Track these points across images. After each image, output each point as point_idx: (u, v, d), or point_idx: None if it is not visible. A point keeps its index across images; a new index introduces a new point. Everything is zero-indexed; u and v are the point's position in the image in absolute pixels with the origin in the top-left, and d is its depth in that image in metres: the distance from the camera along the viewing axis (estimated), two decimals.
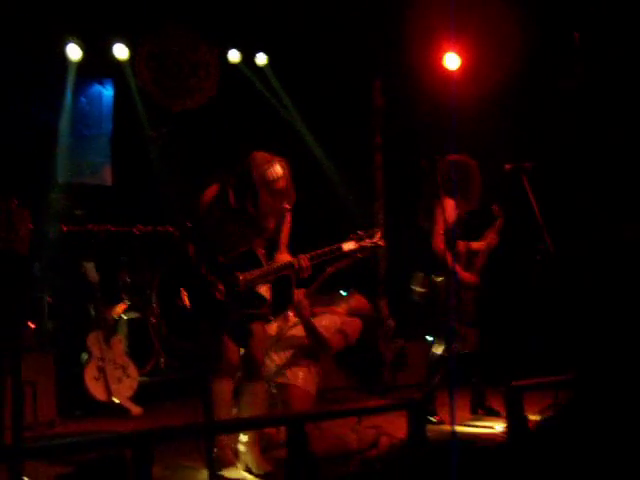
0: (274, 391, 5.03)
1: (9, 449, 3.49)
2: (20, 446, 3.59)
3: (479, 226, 6.02)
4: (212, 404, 4.25)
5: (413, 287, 5.79)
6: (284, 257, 4.52)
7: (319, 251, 4.41)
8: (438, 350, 5.65)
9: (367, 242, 4.46)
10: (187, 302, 4.34)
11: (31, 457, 3.37)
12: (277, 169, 4.38)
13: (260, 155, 4.45)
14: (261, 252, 4.52)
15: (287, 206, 4.49)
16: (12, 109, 7.19)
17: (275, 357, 5.16)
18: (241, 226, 4.46)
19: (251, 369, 4.49)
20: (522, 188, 5.62)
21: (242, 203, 4.42)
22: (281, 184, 4.40)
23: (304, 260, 4.36)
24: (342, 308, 5.51)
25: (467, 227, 5.81)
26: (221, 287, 4.35)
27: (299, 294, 5.15)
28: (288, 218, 4.60)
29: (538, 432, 3.85)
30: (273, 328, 5.25)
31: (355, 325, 5.38)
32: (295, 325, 5.27)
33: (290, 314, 5.35)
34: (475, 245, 5.92)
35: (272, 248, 4.57)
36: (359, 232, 4.50)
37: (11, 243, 4.03)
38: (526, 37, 7.16)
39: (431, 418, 5.38)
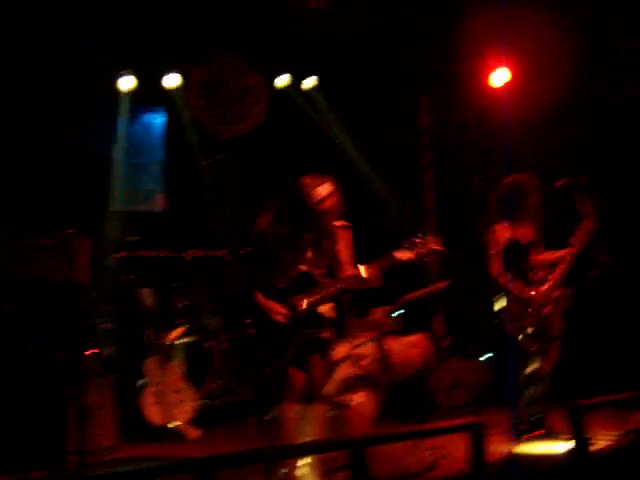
0: (332, 413, 5.00)
1: (75, 475, 3.54)
2: (86, 473, 3.64)
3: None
4: (275, 428, 4.26)
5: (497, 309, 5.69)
6: (347, 273, 4.49)
7: (378, 260, 4.37)
8: (530, 368, 5.59)
9: (422, 248, 4.41)
10: (252, 329, 4.36)
11: None
12: (325, 187, 4.43)
13: (307, 178, 4.51)
14: (319, 272, 4.51)
15: (338, 224, 4.49)
16: (67, 139, 7.35)
17: (337, 378, 5.14)
18: (296, 251, 4.49)
19: (313, 393, 4.48)
20: (576, 203, 5.55)
21: (296, 228, 4.47)
22: (331, 202, 4.43)
23: (367, 269, 4.33)
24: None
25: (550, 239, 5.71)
26: (282, 311, 4.37)
27: (378, 314, 5.16)
28: (345, 236, 4.56)
29: (603, 455, 3.78)
30: (339, 351, 5.23)
31: (419, 356, 5.32)
32: (362, 344, 5.25)
33: (358, 334, 5.34)
34: (553, 256, 5.76)
35: (334, 269, 4.54)
36: (411, 238, 4.44)
37: (72, 273, 4.11)
38: (575, 51, 7.10)
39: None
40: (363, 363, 5.18)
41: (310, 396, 4.47)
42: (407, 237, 4.46)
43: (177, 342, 6.97)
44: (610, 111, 7.27)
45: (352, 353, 5.31)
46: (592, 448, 4.21)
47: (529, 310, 5.52)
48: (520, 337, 5.53)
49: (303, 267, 4.51)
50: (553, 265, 5.65)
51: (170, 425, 6.24)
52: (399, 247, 4.43)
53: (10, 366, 4.17)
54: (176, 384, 6.44)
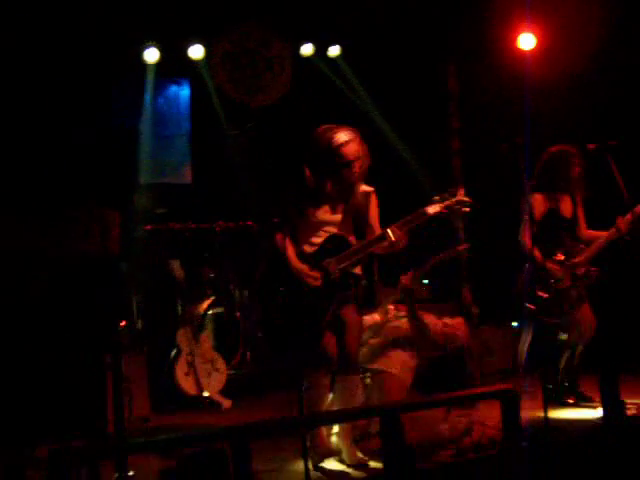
0: (368, 380, 5.02)
1: (116, 443, 3.60)
2: (125, 441, 3.71)
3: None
4: (308, 397, 4.26)
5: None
6: (375, 233, 4.43)
7: (407, 217, 4.29)
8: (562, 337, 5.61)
9: (452, 201, 4.35)
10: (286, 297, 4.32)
11: (136, 452, 3.47)
12: (343, 133, 4.33)
13: (323, 127, 4.43)
14: (349, 235, 4.45)
15: (358, 170, 4.36)
16: (95, 113, 7.38)
17: (372, 344, 5.14)
18: (322, 205, 4.42)
19: (347, 361, 4.40)
20: (608, 167, 5.48)
21: (319, 179, 4.38)
22: (352, 147, 4.32)
23: (395, 229, 4.25)
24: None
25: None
26: (314, 274, 4.31)
27: (406, 278, 5.14)
28: (374, 200, 4.49)
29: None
30: (373, 318, 5.23)
31: (460, 333, 5.30)
32: (396, 318, 5.25)
33: (391, 307, 5.33)
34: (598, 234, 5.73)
35: (362, 234, 4.47)
36: (441, 194, 4.39)
37: (104, 245, 4.14)
38: (603, 14, 6.98)
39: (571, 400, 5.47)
40: (397, 332, 5.18)
41: (345, 363, 4.41)
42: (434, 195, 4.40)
43: (207, 312, 7.03)
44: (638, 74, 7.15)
45: (386, 320, 5.31)
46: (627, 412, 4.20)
47: (551, 281, 5.52)
48: (534, 306, 5.55)
49: (332, 229, 4.44)
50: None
51: (204, 394, 6.30)
52: (429, 202, 4.37)
53: (47, 338, 4.23)
54: (208, 354, 6.50)
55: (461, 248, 5.64)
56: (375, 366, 5.04)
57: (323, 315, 4.32)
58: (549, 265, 5.53)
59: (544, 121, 7.18)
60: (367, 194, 4.48)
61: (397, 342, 5.15)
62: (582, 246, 5.64)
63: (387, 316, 5.33)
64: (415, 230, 4.35)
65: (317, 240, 4.42)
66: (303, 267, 4.33)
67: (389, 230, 4.25)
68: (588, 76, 7.32)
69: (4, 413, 4.20)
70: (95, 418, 4.10)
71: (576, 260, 5.57)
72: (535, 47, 7.62)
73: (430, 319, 5.29)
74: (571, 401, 5.60)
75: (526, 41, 7.62)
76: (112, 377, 3.99)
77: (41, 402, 4.14)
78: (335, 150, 4.30)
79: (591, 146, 5.55)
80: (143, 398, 5.98)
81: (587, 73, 7.28)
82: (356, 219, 4.47)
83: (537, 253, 5.52)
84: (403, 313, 5.35)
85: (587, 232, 5.77)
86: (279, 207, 4.53)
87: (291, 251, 4.38)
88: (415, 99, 8.13)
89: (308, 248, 4.42)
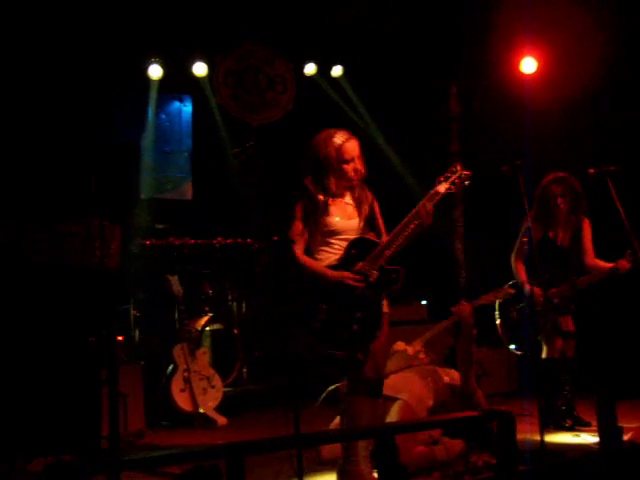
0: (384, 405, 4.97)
1: (108, 461, 3.58)
2: (119, 458, 3.69)
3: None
4: (350, 420, 4.20)
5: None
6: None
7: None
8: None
9: (455, 177, 4.42)
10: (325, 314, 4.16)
11: (129, 469, 3.45)
12: (340, 134, 4.35)
13: (320, 132, 4.44)
14: (371, 236, 4.39)
15: (359, 167, 4.35)
16: (97, 129, 7.41)
17: (397, 375, 5.17)
18: (335, 213, 4.36)
19: (377, 384, 4.30)
20: (607, 192, 5.50)
21: (321, 182, 4.35)
22: (351, 145, 4.34)
23: (427, 205, 4.25)
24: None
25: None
26: (358, 277, 4.19)
27: (467, 306, 5.19)
28: (377, 207, 4.48)
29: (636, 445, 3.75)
30: (406, 347, 5.29)
31: (482, 403, 5.31)
32: (421, 364, 5.30)
33: (421, 355, 5.41)
34: (597, 264, 5.74)
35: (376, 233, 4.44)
36: (444, 175, 4.43)
37: (104, 259, 4.15)
38: (604, 39, 7.02)
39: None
40: (424, 371, 5.24)
41: (377, 385, 4.29)
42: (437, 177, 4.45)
43: (205, 329, 7.02)
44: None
45: (415, 355, 5.36)
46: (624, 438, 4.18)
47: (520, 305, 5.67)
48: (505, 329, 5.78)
49: (350, 235, 4.35)
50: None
51: (200, 411, 6.28)
52: (436, 184, 4.40)
53: (43, 352, 4.23)
54: (204, 371, 6.48)
55: (511, 290, 5.69)
56: (394, 394, 5.00)
57: (377, 320, 4.23)
58: (529, 286, 5.55)
59: (544, 144, 7.23)
60: (372, 199, 4.49)
61: (420, 379, 5.15)
62: (573, 277, 5.65)
63: (417, 353, 5.37)
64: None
65: (336, 249, 4.33)
66: (344, 273, 4.22)
67: (419, 207, 4.27)
68: (589, 100, 7.37)
69: None
70: (90, 433, 4.08)
71: (555, 290, 5.60)
72: (536, 71, 7.68)
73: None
74: (568, 424, 5.59)
75: (528, 65, 7.69)
76: (108, 392, 3.97)
77: (35, 416, 4.13)
78: (337, 149, 4.32)
79: (591, 171, 5.56)
80: (138, 413, 5.96)
81: (588, 97, 7.32)
82: (367, 223, 4.44)
83: (523, 274, 5.68)
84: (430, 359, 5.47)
85: (593, 261, 5.74)
86: (288, 224, 4.46)
87: (319, 264, 4.30)
88: (417, 120, 8.17)
89: (328, 259, 4.33)
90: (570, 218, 5.76)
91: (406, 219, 4.31)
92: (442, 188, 4.39)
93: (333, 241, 4.35)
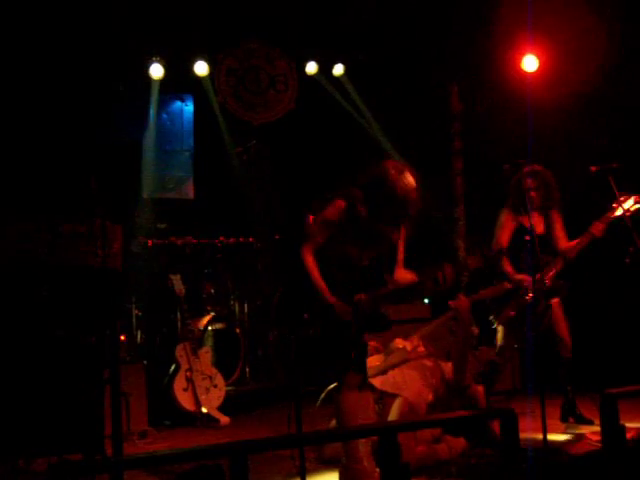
0: (381, 405, 4.98)
1: (112, 460, 3.59)
2: (122, 457, 3.69)
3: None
4: (341, 416, 4.20)
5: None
6: (403, 273, 4.32)
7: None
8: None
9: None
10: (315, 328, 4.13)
11: (133, 467, 3.45)
12: (410, 178, 4.17)
13: (392, 164, 4.26)
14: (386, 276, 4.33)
15: (413, 213, 4.23)
16: (99, 128, 7.41)
17: (395, 371, 5.17)
18: (369, 239, 4.24)
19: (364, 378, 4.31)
20: (609, 190, 5.50)
21: (376, 214, 4.17)
22: (414, 194, 4.18)
23: (448, 269, 4.20)
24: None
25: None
26: (346, 308, 4.14)
27: (465, 301, 5.19)
28: (404, 232, 4.38)
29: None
30: (403, 344, 5.29)
31: (481, 399, 5.31)
32: (424, 357, 5.29)
33: (420, 349, 5.40)
34: (569, 245, 5.75)
35: (389, 264, 4.35)
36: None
37: (107, 259, 4.15)
38: (605, 37, 7.02)
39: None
40: (422, 366, 5.23)
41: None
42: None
43: (207, 328, 7.02)
44: None
45: (413, 350, 5.35)
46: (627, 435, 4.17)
47: (520, 293, 5.59)
48: (501, 321, 5.77)
49: (365, 262, 4.29)
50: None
51: (202, 410, 6.29)
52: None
53: (46, 351, 4.23)
54: (207, 370, 6.48)
55: (508, 285, 5.69)
56: (393, 390, 5.01)
57: (349, 353, 4.18)
58: (518, 277, 5.57)
59: (546, 142, 7.22)
60: (403, 236, 4.39)
61: (419, 375, 5.16)
62: (549, 259, 5.67)
63: (416, 347, 5.36)
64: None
65: (341, 270, 4.24)
66: (338, 303, 4.12)
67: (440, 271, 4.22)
68: (591, 98, 7.35)
69: (1, 426, 4.19)
70: (92, 433, 4.09)
71: (545, 273, 5.61)
72: (538, 69, 7.67)
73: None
74: (571, 420, 5.61)
75: (529, 63, 7.67)
76: (110, 392, 3.97)
77: (38, 416, 4.13)
78: (402, 194, 4.13)
79: (593, 168, 5.57)
80: (141, 412, 5.97)
81: (589, 95, 7.31)
82: (387, 250, 4.36)
83: (508, 266, 5.66)
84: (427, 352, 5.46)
85: (567, 244, 5.76)
86: (315, 219, 4.35)
87: (320, 279, 4.16)
88: (419, 119, 8.17)
89: (331, 275, 4.22)
90: (542, 209, 5.81)
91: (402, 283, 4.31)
92: (401, 279, 4.34)
93: (345, 263, 4.26)
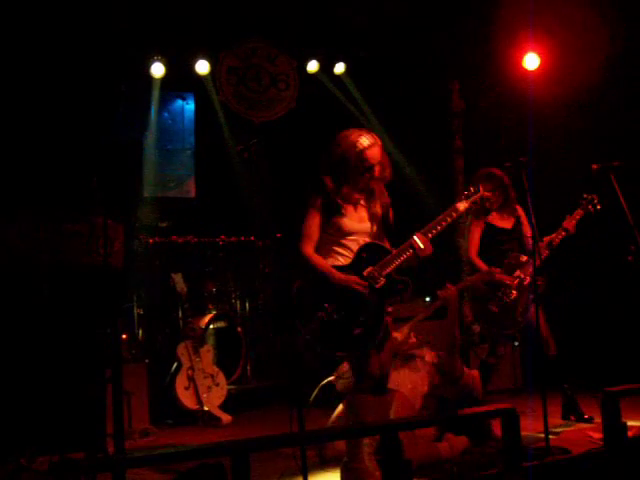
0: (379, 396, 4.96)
1: (114, 458, 3.59)
2: (124, 455, 3.70)
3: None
4: (354, 416, 4.18)
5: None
6: (425, 241, 4.25)
7: (432, 223, 4.26)
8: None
9: (476, 197, 4.41)
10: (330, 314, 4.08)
11: (135, 466, 3.46)
12: (366, 137, 4.22)
13: (346, 130, 4.30)
14: (382, 242, 4.34)
15: (377, 174, 4.25)
16: (99, 126, 7.42)
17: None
18: (349, 213, 4.28)
19: (383, 381, 4.30)
20: (610, 188, 5.50)
21: (340, 184, 4.23)
22: (374, 152, 4.21)
23: (421, 238, 4.18)
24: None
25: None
26: (364, 282, 4.14)
27: (453, 290, 5.18)
28: (391, 213, 4.39)
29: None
30: (394, 335, 5.27)
31: (477, 388, 5.30)
32: (412, 348, 5.28)
33: (412, 340, 5.39)
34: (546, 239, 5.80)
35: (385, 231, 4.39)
36: (464, 192, 4.44)
37: (108, 258, 4.15)
38: (606, 35, 7.01)
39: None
40: (414, 355, 5.22)
41: (381, 382, 4.28)
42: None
43: (209, 327, 7.03)
44: None
45: (404, 341, 5.34)
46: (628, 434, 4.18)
47: (497, 293, 5.61)
48: (483, 319, 5.78)
49: (362, 238, 4.30)
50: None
51: (204, 409, 6.29)
52: (456, 201, 4.38)
53: (47, 350, 4.24)
54: (208, 369, 6.49)
55: (496, 269, 5.69)
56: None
57: (378, 326, 4.18)
58: (499, 276, 5.58)
59: (548, 140, 7.22)
60: (387, 205, 4.40)
61: (411, 365, 5.15)
62: (525, 258, 5.68)
63: (407, 338, 5.35)
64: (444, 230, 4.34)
65: (345, 251, 4.27)
66: (350, 277, 4.15)
67: (415, 238, 4.22)
68: (592, 96, 7.35)
69: (3, 424, 4.20)
70: (94, 431, 4.09)
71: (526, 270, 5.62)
72: (539, 67, 7.66)
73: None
74: (572, 418, 5.61)
75: (531, 61, 7.66)
76: (112, 390, 3.97)
77: (40, 414, 4.14)
78: (358, 154, 4.20)
79: (595, 166, 5.56)
80: (143, 411, 5.97)
81: (591, 93, 7.31)
82: (381, 228, 4.38)
83: (482, 264, 5.70)
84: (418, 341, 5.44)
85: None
86: (302, 218, 4.38)
87: (327, 264, 4.21)
88: (420, 116, 8.16)
89: (337, 260, 4.27)
90: (503, 209, 5.86)
91: (400, 248, 4.26)
92: (462, 206, 4.37)
93: (344, 242, 4.28)
